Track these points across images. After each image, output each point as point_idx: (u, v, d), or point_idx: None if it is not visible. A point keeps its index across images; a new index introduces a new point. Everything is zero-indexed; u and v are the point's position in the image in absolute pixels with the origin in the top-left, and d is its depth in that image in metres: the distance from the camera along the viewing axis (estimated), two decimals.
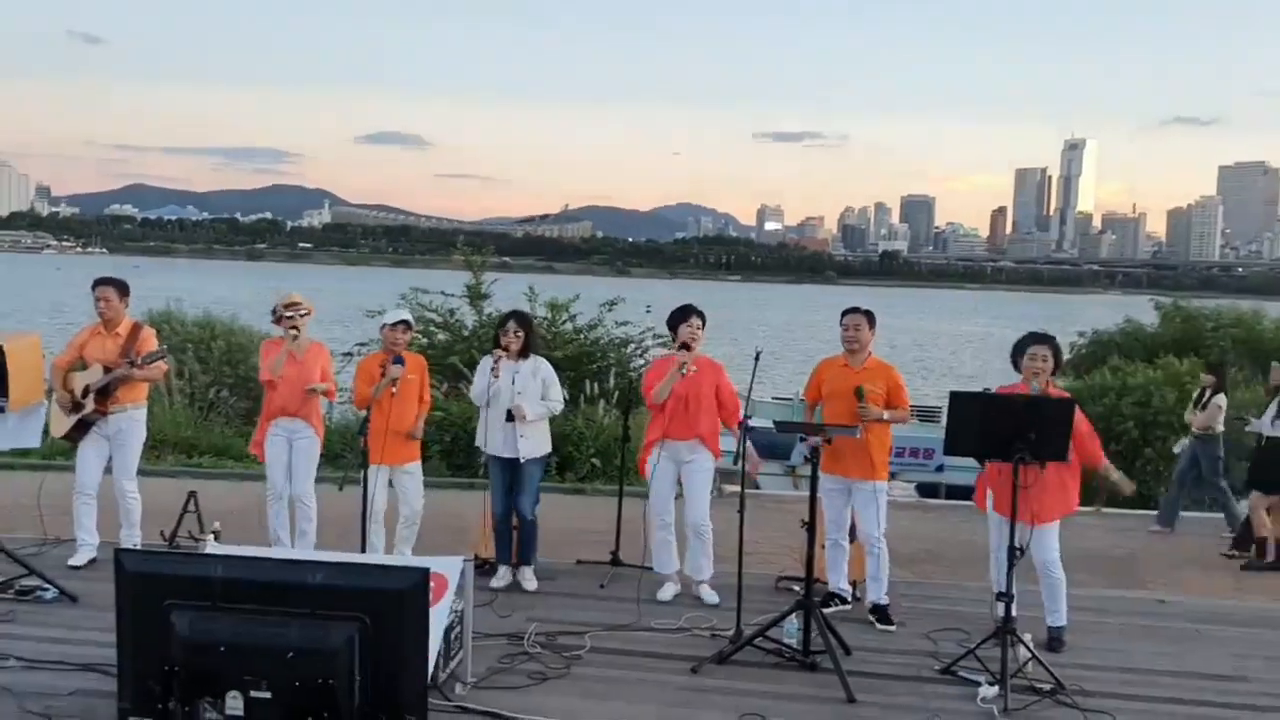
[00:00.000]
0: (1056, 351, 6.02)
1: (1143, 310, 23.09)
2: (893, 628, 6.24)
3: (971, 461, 6.58)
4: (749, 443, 6.10)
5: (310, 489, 6.96)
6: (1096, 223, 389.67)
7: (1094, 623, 6.40)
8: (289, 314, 6.87)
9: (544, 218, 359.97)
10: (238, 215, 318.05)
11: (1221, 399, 9.57)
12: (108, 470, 6.95)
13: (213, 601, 3.92)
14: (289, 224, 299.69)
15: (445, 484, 9.90)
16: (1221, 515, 9.68)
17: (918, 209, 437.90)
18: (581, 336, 14.19)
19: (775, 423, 6.59)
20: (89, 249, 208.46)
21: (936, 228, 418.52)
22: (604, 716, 4.84)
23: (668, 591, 6.69)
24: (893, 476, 6.98)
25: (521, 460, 6.68)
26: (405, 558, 6.45)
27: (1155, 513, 10.05)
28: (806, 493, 5.95)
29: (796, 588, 6.32)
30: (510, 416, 6.62)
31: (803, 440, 6.06)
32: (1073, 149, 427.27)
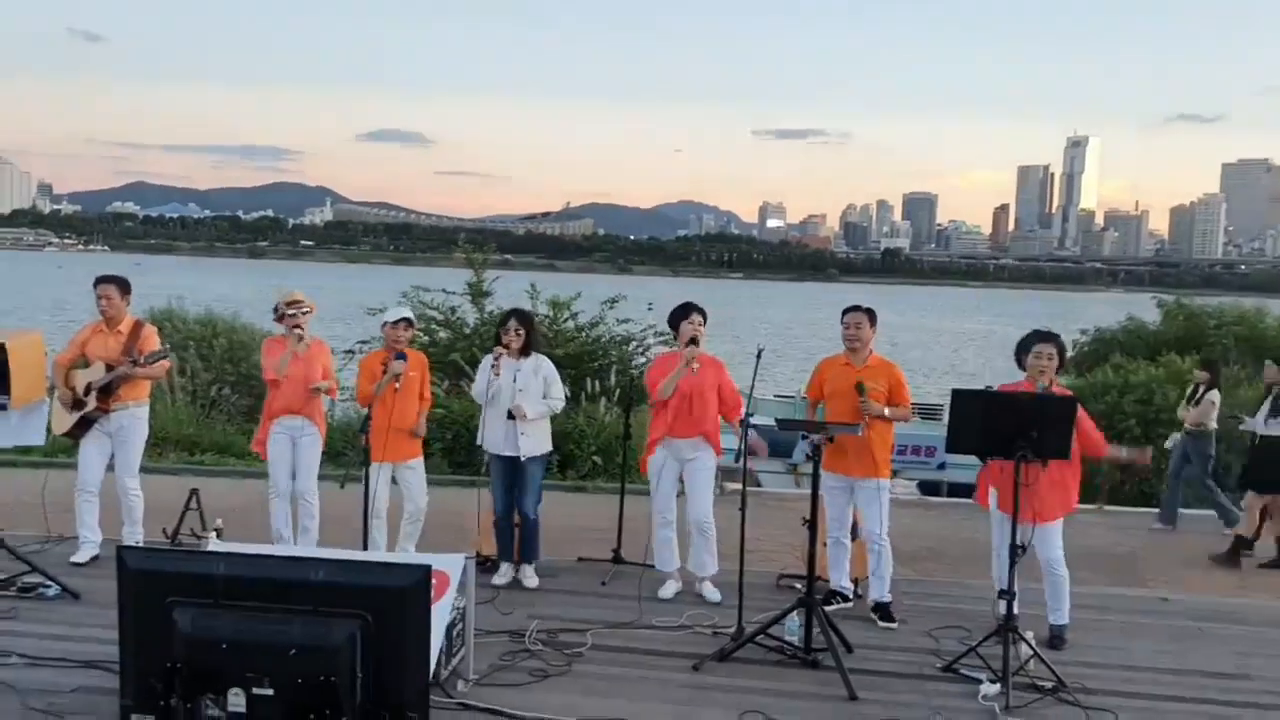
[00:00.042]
0: (1062, 350, 6.03)
1: (1145, 308, 23.06)
2: (894, 625, 6.24)
3: (973, 459, 6.58)
4: (752, 430, 6.11)
5: (313, 486, 6.97)
6: (1099, 220, 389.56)
7: (1096, 620, 6.40)
8: (292, 313, 6.87)
9: (545, 215, 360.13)
10: (239, 213, 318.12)
11: (1215, 395, 9.55)
12: (110, 467, 6.97)
13: (215, 599, 3.91)
14: (290, 221, 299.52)
15: (446, 481, 9.90)
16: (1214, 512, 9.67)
17: (920, 206, 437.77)
18: (583, 334, 14.18)
19: (777, 420, 6.60)
20: (91, 247, 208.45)
21: (939, 225, 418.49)
22: (605, 714, 4.84)
23: (669, 589, 6.70)
24: (895, 474, 6.98)
25: (522, 458, 6.69)
26: (408, 554, 6.46)
27: (1157, 511, 10.05)
28: (808, 490, 5.96)
29: (798, 585, 6.32)
30: (511, 415, 6.63)
31: (805, 438, 6.06)
32: (1075, 146, 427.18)
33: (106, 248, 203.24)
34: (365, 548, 6.23)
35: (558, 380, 6.89)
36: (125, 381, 6.80)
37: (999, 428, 5.49)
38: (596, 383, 12.60)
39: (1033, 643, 5.47)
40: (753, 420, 6.19)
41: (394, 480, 6.91)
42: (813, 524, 5.67)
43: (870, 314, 6.51)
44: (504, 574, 6.79)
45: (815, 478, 5.87)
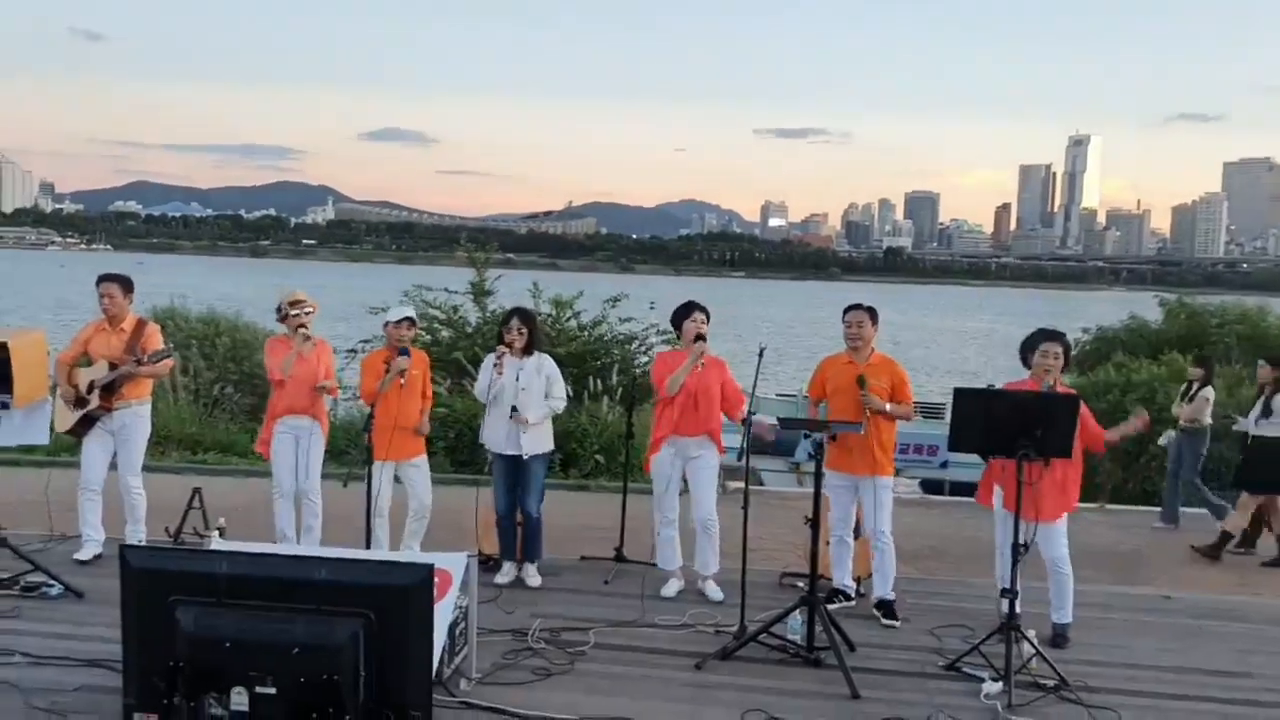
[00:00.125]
0: (1068, 349, 6.03)
1: (1147, 307, 23.05)
2: (897, 623, 6.24)
3: (975, 458, 6.58)
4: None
5: (317, 485, 6.97)
6: (1101, 219, 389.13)
7: (1098, 619, 6.40)
8: (295, 312, 6.88)
9: (548, 214, 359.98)
10: (241, 212, 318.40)
11: (1209, 392, 9.53)
12: (113, 466, 6.97)
13: (218, 597, 3.92)
14: (293, 221, 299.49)
15: (449, 480, 9.89)
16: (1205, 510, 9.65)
17: (922, 205, 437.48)
18: (585, 333, 14.17)
19: (779, 419, 6.60)
20: (93, 245, 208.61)
21: (941, 224, 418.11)
22: (608, 712, 4.84)
23: (672, 588, 6.70)
24: (897, 473, 6.97)
25: (525, 457, 6.69)
26: (412, 553, 6.47)
27: (1159, 509, 10.04)
28: (811, 489, 5.96)
29: (800, 584, 6.32)
30: (516, 409, 6.63)
31: (807, 437, 6.06)
32: (1077, 145, 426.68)
33: (109, 247, 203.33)
34: (368, 546, 6.24)
35: (560, 379, 6.90)
36: (128, 380, 6.80)
37: (1001, 426, 5.50)
38: (599, 381, 12.60)
39: (1035, 641, 5.47)
40: (755, 418, 6.20)
41: (396, 479, 6.91)
42: (815, 522, 5.67)
43: (872, 312, 6.51)
44: (507, 573, 6.79)
45: (818, 476, 5.87)
